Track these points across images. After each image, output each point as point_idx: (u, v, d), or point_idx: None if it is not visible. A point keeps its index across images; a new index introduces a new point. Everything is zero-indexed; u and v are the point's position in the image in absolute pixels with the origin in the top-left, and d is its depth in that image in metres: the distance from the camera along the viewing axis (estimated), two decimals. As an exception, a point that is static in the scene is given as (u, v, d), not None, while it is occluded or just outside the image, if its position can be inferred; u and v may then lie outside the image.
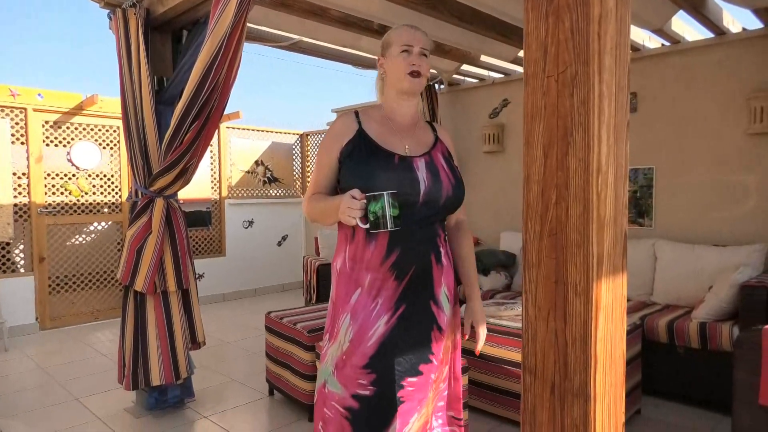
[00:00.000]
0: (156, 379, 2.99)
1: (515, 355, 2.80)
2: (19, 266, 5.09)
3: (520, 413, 1.27)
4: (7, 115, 4.87)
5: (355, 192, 1.41)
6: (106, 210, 5.55)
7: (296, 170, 7.54)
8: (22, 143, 4.97)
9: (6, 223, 4.77)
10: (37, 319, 5.02)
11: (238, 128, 6.88)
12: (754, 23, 3.62)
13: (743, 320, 2.95)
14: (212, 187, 6.54)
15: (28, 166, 4.98)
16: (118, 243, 5.63)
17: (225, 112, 2.97)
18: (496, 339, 2.87)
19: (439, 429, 1.63)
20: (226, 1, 2.53)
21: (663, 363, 3.23)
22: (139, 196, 3.08)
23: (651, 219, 4.18)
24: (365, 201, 1.39)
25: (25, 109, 4.94)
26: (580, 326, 1.15)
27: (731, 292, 3.09)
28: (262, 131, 7.16)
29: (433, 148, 1.63)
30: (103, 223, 5.60)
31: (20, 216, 4.96)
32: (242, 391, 3.49)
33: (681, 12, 3.45)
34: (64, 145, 5.24)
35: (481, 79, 5.34)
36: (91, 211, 5.43)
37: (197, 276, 3.51)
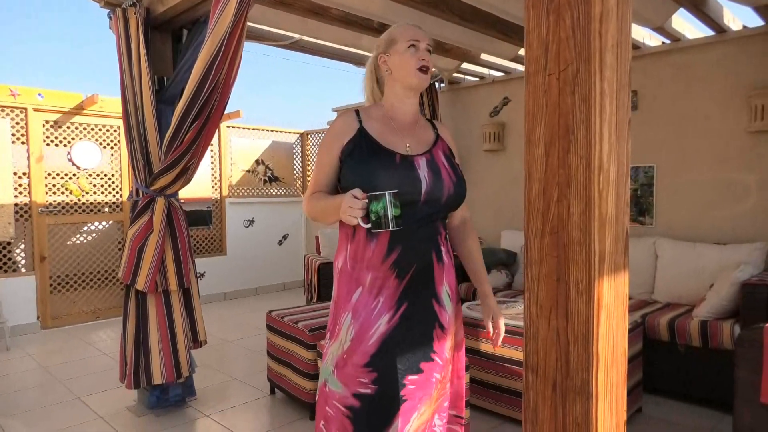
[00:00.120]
0: (157, 378, 2.99)
1: (517, 354, 2.80)
2: (20, 266, 5.10)
3: (522, 411, 1.27)
4: (7, 114, 4.87)
5: (357, 191, 1.41)
6: (106, 209, 5.55)
7: (297, 169, 7.54)
8: (23, 143, 4.97)
9: (7, 222, 4.77)
10: (38, 318, 5.02)
11: (239, 127, 6.88)
12: (755, 21, 3.62)
13: (744, 318, 2.95)
14: (213, 187, 6.54)
15: (28, 166, 4.99)
16: (119, 242, 5.63)
17: (225, 112, 2.97)
18: (497, 337, 2.87)
19: (442, 428, 1.63)
20: (226, 1, 2.53)
21: (664, 361, 3.23)
22: (140, 195, 3.08)
23: (652, 217, 4.18)
24: (367, 200, 1.39)
25: (26, 108, 4.94)
26: (581, 324, 1.15)
27: (732, 291, 3.09)
28: (263, 130, 7.17)
29: (434, 146, 1.62)
30: (104, 223, 5.60)
31: (21, 216, 4.97)
32: (243, 390, 3.49)
33: (681, 10, 3.45)
34: (65, 145, 5.25)
35: (482, 77, 5.34)
36: (91, 210, 5.44)
37: (198, 275, 3.52)
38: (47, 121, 5.10)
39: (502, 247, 4.89)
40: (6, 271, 4.88)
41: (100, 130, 5.46)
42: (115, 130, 5.54)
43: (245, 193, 6.91)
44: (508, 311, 3.12)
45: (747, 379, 2.20)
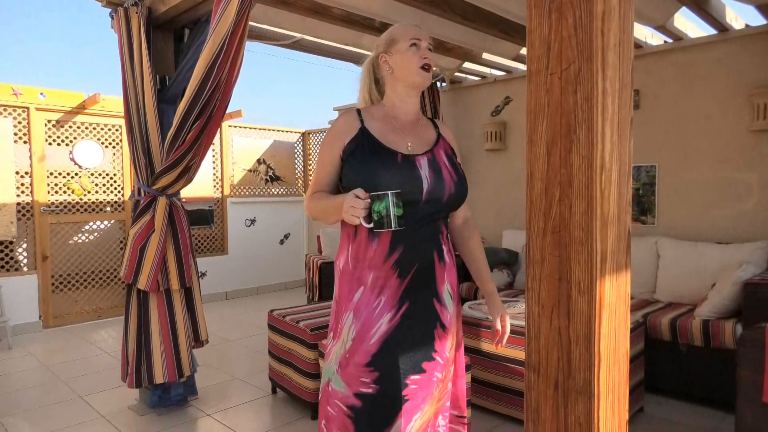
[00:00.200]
0: (159, 377, 3.00)
1: (518, 353, 2.79)
2: (22, 265, 5.11)
3: (524, 411, 1.27)
4: (9, 114, 4.88)
5: (359, 191, 1.41)
6: (108, 209, 5.56)
7: (298, 169, 7.55)
8: (25, 142, 4.98)
9: (9, 221, 4.78)
10: (40, 317, 5.03)
11: (240, 127, 6.89)
12: (757, 19, 3.61)
13: (746, 318, 2.94)
14: (214, 186, 6.55)
15: (30, 165, 4.99)
16: (121, 241, 5.64)
17: (227, 111, 2.97)
18: (498, 337, 2.87)
19: (445, 428, 1.63)
20: (228, 0, 2.53)
21: (666, 361, 3.23)
22: (142, 194, 3.08)
23: (654, 217, 4.18)
24: (369, 200, 1.39)
25: (28, 108, 4.95)
26: (583, 324, 1.14)
27: (734, 290, 3.08)
28: (264, 130, 7.17)
29: (436, 145, 1.62)
30: (105, 222, 5.61)
31: (23, 215, 4.97)
32: (245, 389, 3.49)
33: (684, 9, 3.45)
34: (67, 144, 5.25)
35: (483, 76, 5.33)
36: (93, 209, 5.44)
37: (200, 274, 3.52)
38: (49, 121, 5.11)
39: (503, 247, 4.88)
40: (8, 270, 4.88)
41: (102, 129, 5.47)
42: (117, 130, 5.55)
43: (247, 193, 6.92)
44: (510, 311, 3.12)
45: (749, 378, 2.19)
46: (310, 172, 7.48)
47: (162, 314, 3.05)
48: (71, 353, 4.34)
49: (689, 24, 3.90)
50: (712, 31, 3.82)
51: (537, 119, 1.21)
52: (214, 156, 6.55)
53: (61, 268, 5.23)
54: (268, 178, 7.14)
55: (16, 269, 4.99)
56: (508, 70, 5.11)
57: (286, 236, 7.25)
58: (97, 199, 5.45)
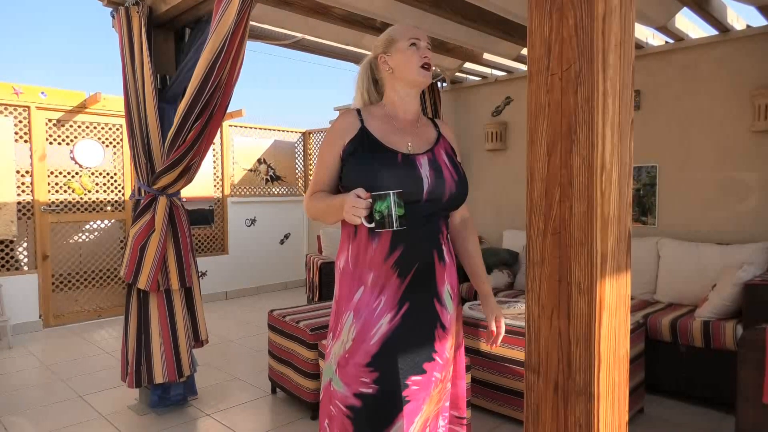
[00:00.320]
0: (159, 377, 3.00)
1: (518, 354, 2.79)
2: (22, 264, 5.11)
3: (524, 412, 1.27)
4: (10, 113, 4.88)
5: (360, 191, 1.41)
6: (109, 208, 5.56)
7: (299, 168, 7.55)
8: (26, 141, 4.98)
9: (9, 221, 4.78)
10: (40, 316, 5.03)
11: (241, 126, 6.89)
12: (758, 20, 3.60)
13: (747, 319, 2.94)
14: (215, 186, 6.55)
15: (31, 164, 5.00)
16: (121, 241, 5.64)
17: (227, 110, 2.98)
18: (498, 337, 2.87)
19: (444, 428, 1.63)
20: (229, 0, 2.53)
21: (666, 361, 3.23)
22: (142, 194, 3.08)
23: (654, 217, 4.17)
24: (370, 200, 1.38)
25: (29, 107, 4.95)
26: (583, 325, 1.14)
27: (735, 291, 3.08)
28: (265, 129, 7.17)
29: (436, 144, 1.62)
30: (106, 221, 5.61)
31: (24, 214, 4.98)
32: (245, 389, 3.49)
33: (685, 9, 3.44)
34: (68, 144, 5.26)
35: (484, 76, 5.33)
36: (94, 209, 5.44)
37: (200, 274, 3.52)
38: (50, 120, 5.11)
39: (503, 247, 4.88)
40: (8, 270, 4.89)
41: (102, 128, 5.47)
42: (117, 129, 5.55)
43: (247, 192, 6.92)
44: (510, 311, 3.12)
45: (749, 379, 2.19)
46: (311, 172, 7.48)
47: (162, 314, 3.05)
48: (71, 353, 4.34)
49: (690, 24, 3.90)
50: (713, 32, 3.82)
51: (537, 120, 1.21)
52: (214, 155, 6.55)
53: (62, 267, 5.23)
54: (268, 177, 7.14)
55: (17, 268, 5.00)
56: (508, 71, 5.11)
57: (287, 236, 7.25)
58: (97, 199, 5.46)
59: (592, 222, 1.12)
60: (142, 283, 2.96)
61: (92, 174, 5.43)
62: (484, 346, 2.95)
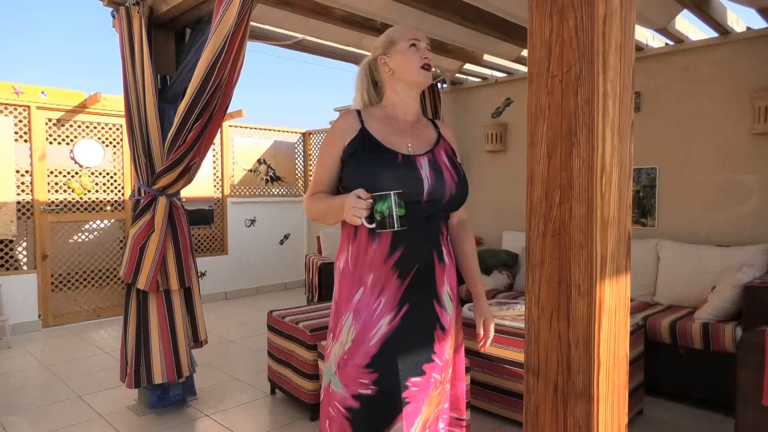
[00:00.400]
0: (158, 378, 2.99)
1: (517, 355, 2.79)
2: (22, 263, 5.11)
3: (523, 414, 1.27)
4: (10, 113, 4.88)
5: (361, 191, 1.41)
6: (108, 208, 5.56)
7: (299, 169, 7.55)
8: (26, 141, 4.98)
9: (9, 220, 4.78)
10: (39, 316, 5.03)
11: (241, 127, 6.89)
12: (759, 22, 3.61)
13: (746, 321, 2.94)
14: (215, 186, 6.55)
15: (31, 164, 5.00)
16: (121, 241, 5.64)
17: (228, 111, 2.98)
18: (498, 339, 2.87)
19: (444, 430, 1.63)
20: (230, 0, 2.53)
21: (666, 363, 3.22)
22: (142, 194, 3.08)
23: (654, 219, 4.17)
24: (371, 200, 1.39)
25: (29, 106, 4.95)
26: (583, 327, 1.14)
27: (734, 293, 3.08)
28: (265, 130, 7.17)
29: (436, 145, 1.62)
30: (105, 221, 5.61)
31: (23, 213, 4.97)
32: (244, 390, 3.49)
33: (685, 11, 3.44)
34: (68, 143, 5.25)
35: (484, 78, 5.33)
36: (93, 208, 5.44)
37: (199, 274, 3.52)
38: (50, 119, 5.11)
39: (503, 248, 4.88)
40: (8, 269, 4.88)
41: (102, 128, 5.47)
42: (117, 129, 5.55)
43: (247, 193, 6.92)
44: (509, 312, 3.12)
45: (749, 381, 2.19)
46: (311, 173, 7.48)
47: (161, 314, 3.05)
48: (70, 352, 4.34)
49: (690, 26, 3.90)
50: (714, 34, 3.82)
51: (538, 122, 1.21)
52: (214, 156, 6.55)
53: (61, 267, 5.23)
54: (268, 178, 7.14)
55: (16, 268, 4.99)
56: (508, 72, 5.11)
57: (286, 236, 7.25)
58: (97, 198, 5.45)
59: (592, 224, 1.12)
60: (142, 283, 2.96)
61: (92, 174, 5.43)
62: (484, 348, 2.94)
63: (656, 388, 3.25)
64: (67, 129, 5.23)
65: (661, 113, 4.13)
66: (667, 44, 4.09)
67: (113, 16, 3.23)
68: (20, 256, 5.13)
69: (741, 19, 3.73)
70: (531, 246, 1.24)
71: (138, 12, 3.06)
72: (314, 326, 3.00)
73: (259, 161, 7.02)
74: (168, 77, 3.28)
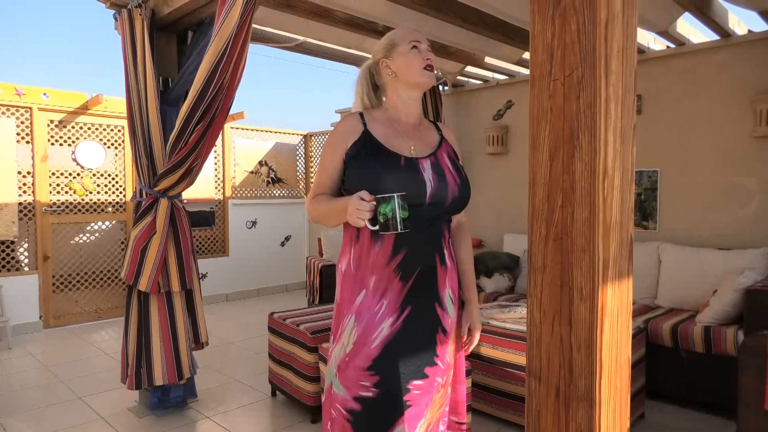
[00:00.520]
0: (159, 379, 2.99)
1: (518, 358, 2.79)
2: (23, 264, 5.11)
3: (525, 418, 1.27)
4: (12, 114, 4.89)
5: (364, 193, 1.41)
6: (110, 209, 5.56)
7: (300, 171, 7.55)
8: (27, 142, 4.98)
9: (10, 221, 4.79)
10: (40, 317, 5.03)
11: (242, 128, 6.89)
12: (760, 25, 3.61)
13: (748, 324, 2.93)
14: (216, 188, 6.55)
15: (33, 165, 5.00)
16: (122, 242, 5.64)
17: (229, 113, 2.98)
18: (499, 342, 2.87)
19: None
20: (232, 2, 2.54)
21: (667, 367, 3.22)
22: (144, 195, 3.08)
23: (655, 222, 4.17)
24: (374, 202, 1.39)
25: (31, 108, 4.96)
26: (585, 331, 1.14)
27: (736, 296, 3.07)
28: (266, 132, 7.18)
29: (439, 148, 1.62)
30: (107, 223, 5.61)
31: (25, 215, 4.98)
32: (245, 392, 3.49)
33: (686, 14, 3.44)
34: (69, 145, 5.26)
35: (485, 80, 5.33)
36: (95, 210, 5.45)
37: (200, 276, 3.52)
38: (52, 121, 5.12)
39: (504, 251, 4.88)
40: (9, 270, 4.89)
41: (104, 130, 5.48)
42: (119, 130, 5.56)
43: (248, 195, 6.92)
44: (510, 315, 3.12)
45: (750, 385, 2.18)
46: (312, 175, 7.49)
47: (162, 316, 3.05)
48: (71, 354, 4.34)
49: (692, 29, 3.90)
50: (715, 37, 3.82)
51: (539, 125, 1.21)
52: (215, 157, 6.56)
53: (62, 268, 5.23)
54: (269, 180, 7.14)
55: (17, 269, 5.00)
56: (510, 74, 5.11)
57: (287, 238, 7.25)
58: (98, 200, 5.46)
59: (594, 228, 1.12)
60: (143, 284, 2.96)
61: (93, 175, 5.43)
62: (485, 350, 2.94)
63: (658, 391, 3.25)
64: (68, 130, 5.24)
65: (662, 116, 4.12)
66: (668, 47, 4.09)
67: (116, 19, 3.24)
68: (21, 257, 5.13)
69: (742, 22, 3.73)
70: (533, 250, 1.24)
71: (140, 14, 3.06)
72: (315, 328, 2.99)
73: (260, 163, 7.03)
74: (170, 79, 3.28)
